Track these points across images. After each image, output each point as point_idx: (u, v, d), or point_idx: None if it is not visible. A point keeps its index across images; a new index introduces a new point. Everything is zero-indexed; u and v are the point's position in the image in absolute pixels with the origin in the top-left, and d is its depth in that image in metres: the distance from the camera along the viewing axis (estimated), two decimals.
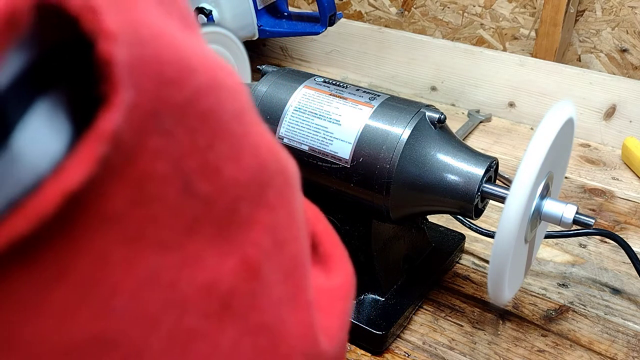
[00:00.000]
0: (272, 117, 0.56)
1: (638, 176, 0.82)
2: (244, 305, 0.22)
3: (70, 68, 0.18)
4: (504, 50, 1.01)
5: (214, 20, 0.87)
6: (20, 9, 0.16)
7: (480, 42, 1.03)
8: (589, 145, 0.90)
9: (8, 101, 0.16)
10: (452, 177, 0.51)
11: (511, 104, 0.95)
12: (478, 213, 0.52)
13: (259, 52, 1.16)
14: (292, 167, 0.25)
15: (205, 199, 0.20)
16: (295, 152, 0.55)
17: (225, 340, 0.21)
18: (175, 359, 0.20)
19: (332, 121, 0.54)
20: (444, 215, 0.71)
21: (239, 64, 0.74)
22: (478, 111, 0.97)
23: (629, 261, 0.63)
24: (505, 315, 0.60)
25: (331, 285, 0.29)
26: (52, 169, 0.17)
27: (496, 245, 0.43)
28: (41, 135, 0.17)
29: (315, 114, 0.55)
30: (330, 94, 0.55)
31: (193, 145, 0.20)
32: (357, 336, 0.56)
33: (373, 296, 0.58)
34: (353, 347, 0.56)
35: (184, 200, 0.20)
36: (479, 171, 0.50)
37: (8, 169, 0.16)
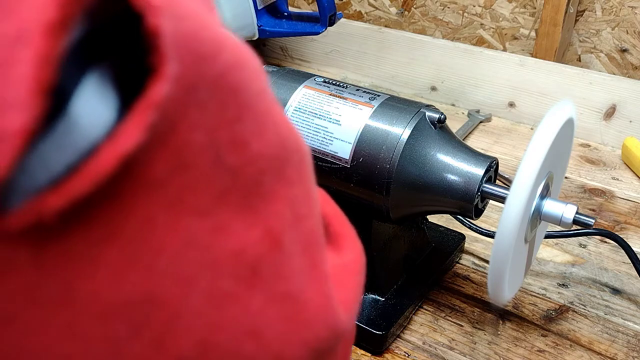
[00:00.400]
0: None
1: (638, 176, 0.82)
2: (269, 273, 0.23)
3: (115, 41, 0.19)
4: (504, 50, 1.01)
5: None
6: None
7: (480, 42, 1.03)
8: (589, 145, 0.90)
9: (65, 70, 0.17)
10: (452, 177, 0.51)
11: (511, 104, 0.95)
12: (478, 213, 0.52)
13: (259, 52, 1.15)
14: (306, 147, 0.26)
15: (234, 170, 0.22)
16: None
17: (254, 304, 0.22)
18: (211, 319, 0.21)
19: (332, 121, 0.54)
20: (444, 215, 0.71)
21: None
22: (478, 111, 0.97)
23: (629, 261, 0.63)
24: (505, 315, 0.60)
25: (343, 262, 0.30)
26: (105, 135, 0.18)
27: (496, 245, 0.43)
28: (93, 104, 0.18)
29: (315, 114, 0.55)
30: (330, 94, 0.55)
31: (223, 118, 0.21)
32: (357, 336, 0.56)
33: (373, 296, 0.58)
34: (353, 347, 0.56)
35: (215, 170, 0.21)
36: (479, 171, 0.50)
37: (67, 134, 0.18)
